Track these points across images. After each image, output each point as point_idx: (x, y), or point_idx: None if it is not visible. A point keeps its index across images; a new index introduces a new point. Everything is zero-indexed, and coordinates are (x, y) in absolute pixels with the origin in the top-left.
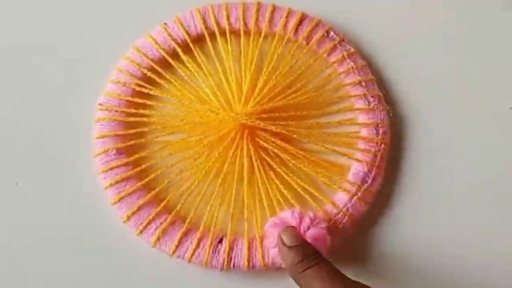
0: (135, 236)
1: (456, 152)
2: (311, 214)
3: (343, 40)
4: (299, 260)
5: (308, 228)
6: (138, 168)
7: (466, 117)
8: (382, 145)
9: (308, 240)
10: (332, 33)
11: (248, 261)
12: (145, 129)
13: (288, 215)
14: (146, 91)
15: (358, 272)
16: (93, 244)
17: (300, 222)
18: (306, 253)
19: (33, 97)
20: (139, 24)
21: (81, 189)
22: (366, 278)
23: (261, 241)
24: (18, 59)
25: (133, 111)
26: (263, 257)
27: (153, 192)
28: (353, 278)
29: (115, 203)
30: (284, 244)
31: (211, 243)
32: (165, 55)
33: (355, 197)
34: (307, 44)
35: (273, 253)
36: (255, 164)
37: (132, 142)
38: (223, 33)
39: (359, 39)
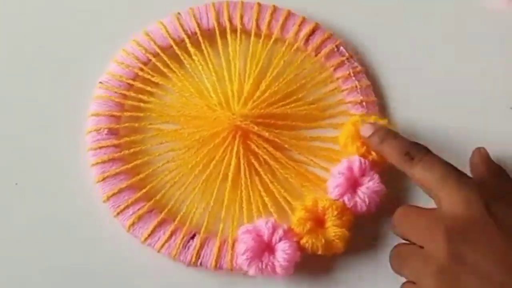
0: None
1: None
2: (285, 226)
3: (351, 57)
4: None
5: (280, 240)
6: (127, 151)
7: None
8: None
9: (277, 253)
10: (342, 48)
11: (216, 261)
12: (141, 114)
13: (262, 224)
14: (148, 76)
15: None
16: (90, 241)
17: (273, 232)
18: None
19: (32, 94)
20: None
21: (82, 193)
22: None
23: (233, 244)
24: (15, 55)
25: (132, 94)
26: (231, 260)
27: (137, 177)
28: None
29: (98, 181)
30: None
31: (183, 237)
32: (173, 44)
33: None
34: (316, 55)
35: (241, 259)
36: (242, 167)
37: (126, 125)
38: (234, 31)
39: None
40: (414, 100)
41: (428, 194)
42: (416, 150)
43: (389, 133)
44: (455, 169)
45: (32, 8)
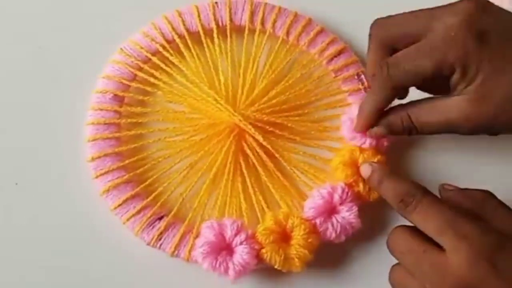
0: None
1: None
2: (250, 232)
3: (369, 87)
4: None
5: (241, 243)
6: (124, 120)
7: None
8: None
9: (234, 255)
10: (362, 76)
11: (175, 248)
12: (149, 88)
13: (228, 223)
14: (167, 55)
15: None
16: (91, 240)
17: (236, 234)
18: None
19: (31, 95)
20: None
21: (81, 190)
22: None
23: (196, 236)
24: (15, 55)
25: (147, 68)
26: (189, 251)
27: (125, 147)
28: None
29: (88, 141)
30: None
31: (150, 216)
32: (200, 30)
33: None
34: (335, 76)
35: (197, 252)
36: (228, 165)
37: (131, 95)
38: (263, 32)
39: None
40: None
41: None
42: (411, 195)
43: (386, 175)
44: (453, 215)
45: (32, 8)
